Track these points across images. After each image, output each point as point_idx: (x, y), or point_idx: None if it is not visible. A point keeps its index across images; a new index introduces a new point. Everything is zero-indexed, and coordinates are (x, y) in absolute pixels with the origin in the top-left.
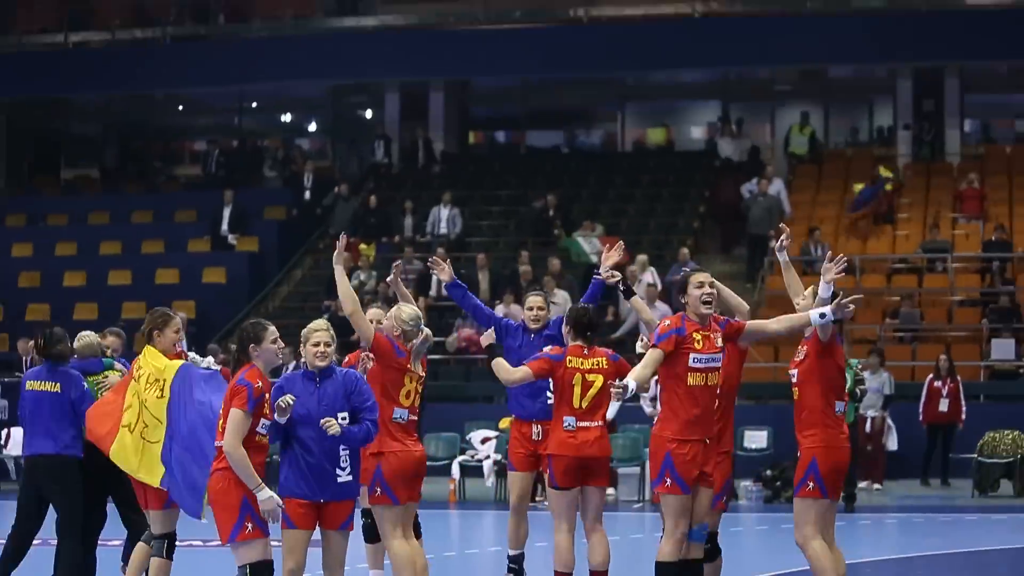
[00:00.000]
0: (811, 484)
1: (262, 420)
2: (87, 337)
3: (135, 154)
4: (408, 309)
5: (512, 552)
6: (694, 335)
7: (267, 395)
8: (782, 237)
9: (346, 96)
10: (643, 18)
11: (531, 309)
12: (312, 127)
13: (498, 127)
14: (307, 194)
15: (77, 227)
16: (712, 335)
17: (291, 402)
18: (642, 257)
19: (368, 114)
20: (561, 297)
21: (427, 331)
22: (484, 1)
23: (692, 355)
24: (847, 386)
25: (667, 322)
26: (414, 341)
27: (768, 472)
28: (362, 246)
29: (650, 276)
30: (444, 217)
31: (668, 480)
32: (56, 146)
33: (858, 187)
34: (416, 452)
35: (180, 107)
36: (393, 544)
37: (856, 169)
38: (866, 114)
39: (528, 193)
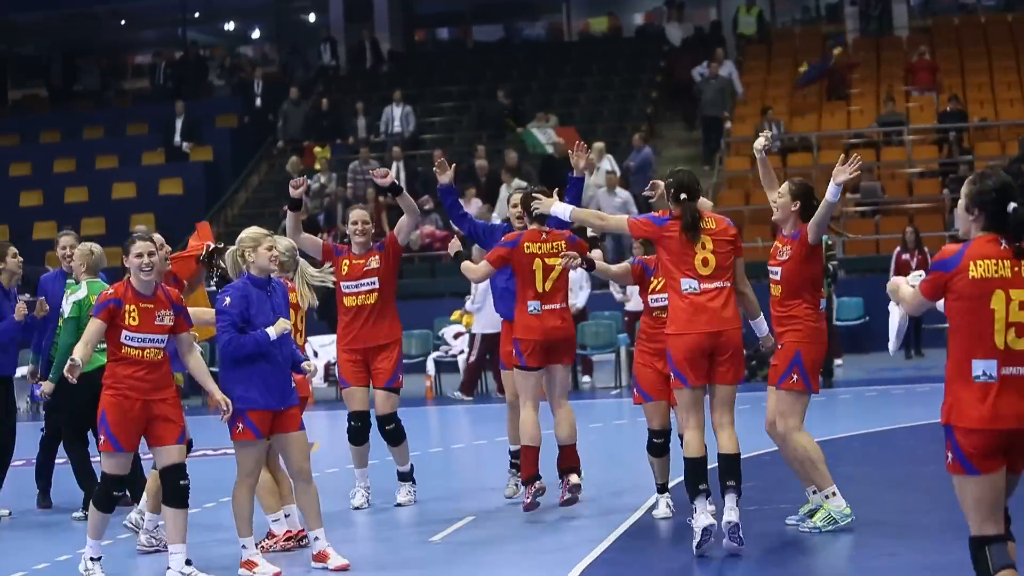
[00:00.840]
0: (795, 376)
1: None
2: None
3: (81, 71)
4: (285, 241)
5: (513, 448)
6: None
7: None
8: (761, 140)
9: (289, 0)
10: None
11: (515, 207)
12: (256, 34)
13: (443, 23)
14: (258, 100)
15: (29, 147)
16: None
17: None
18: (599, 144)
19: (312, 17)
20: (516, 185)
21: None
22: None
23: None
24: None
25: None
26: (290, 274)
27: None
28: (317, 149)
29: (607, 163)
30: (397, 116)
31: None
32: (2, 67)
33: (804, 67)
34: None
35: (123, 21)
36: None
37: (805, 47)
38: None
39: (478, 88)
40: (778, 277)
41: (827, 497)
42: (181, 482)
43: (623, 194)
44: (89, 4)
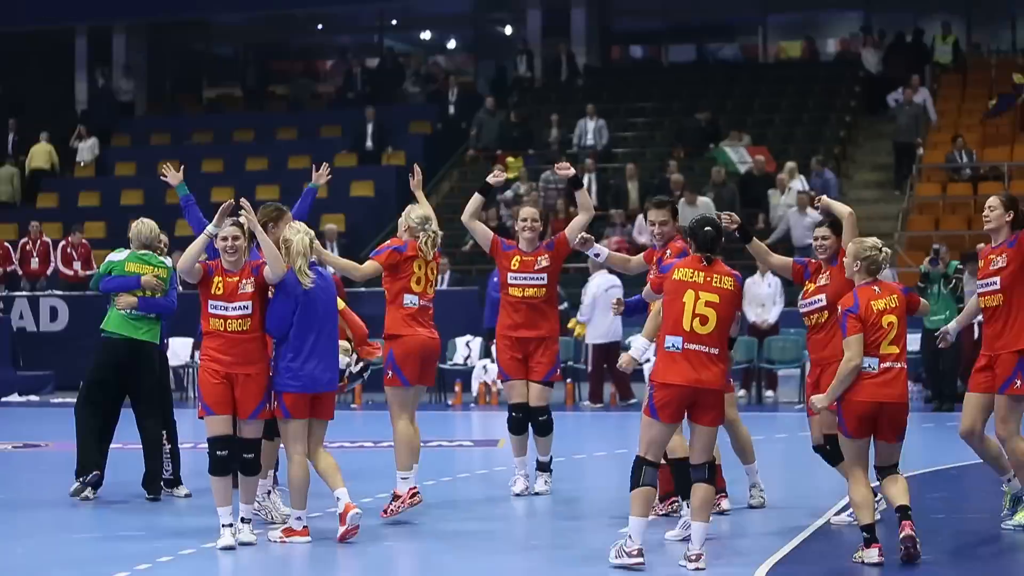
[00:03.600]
0: (1019, 382)
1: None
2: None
3: (275, 74)
4: (418, 210)
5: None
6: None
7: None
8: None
9: (488, 12)
10: None
11: (652, 224)
12: (452, 44)
13: (638, 41)
14: (451, 109)
15: (222, 145)
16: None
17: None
18: (790, 164)
19: (508, 30)
20: (702, 203)
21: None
22: None
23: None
24: None
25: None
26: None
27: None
28: (509, 159)
29: (799, 183)
30: (591, 129)
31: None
32: (197, 67)
33: (992, 102)
34: (424, 336)
35: (320, 26)
36: (398, 424)
37: (1001, 77)
38: (1008, 24)
39: (672, 105)
40: (997, 286)
41: None
42: (218, 453)
43: (814, 214)
44: (286, 7)
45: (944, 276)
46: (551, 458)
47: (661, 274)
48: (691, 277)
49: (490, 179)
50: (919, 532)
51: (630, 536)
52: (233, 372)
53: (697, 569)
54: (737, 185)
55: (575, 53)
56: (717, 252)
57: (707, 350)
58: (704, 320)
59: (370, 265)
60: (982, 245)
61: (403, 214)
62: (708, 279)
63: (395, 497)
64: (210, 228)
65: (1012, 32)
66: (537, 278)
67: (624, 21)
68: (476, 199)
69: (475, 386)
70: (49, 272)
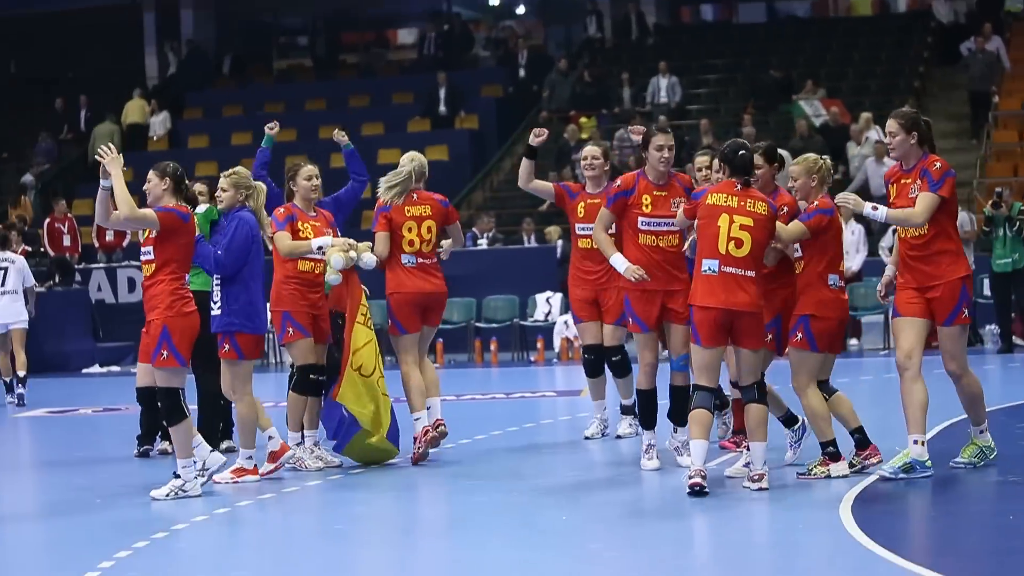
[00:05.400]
0: (965, 312)
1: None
2: None
3: (345, 45)
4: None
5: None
6: (644, 197)
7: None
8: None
9: None
10: None
11: (699, 170)
12: (520, 9)
13: (708, 0)
14: (521, 72)
15: (295, 114)
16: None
17: None
18: (866, 115)
19: None
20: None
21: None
22: None
23: (640, 217)
24: None
25: (618, 182)
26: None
27: None
28: (583, 119)
29: (875, 133)
30: (663, 87)
31: (630, 320)
32: (266, 37)
33: None
34: (418, 286)
35: None
36: (404, 369)
37: None
38: None
39: (744, 62)
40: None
41: (980, 432)
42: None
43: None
44: None
45: (1008, 219)
46: (634, 402)
47: (694, 200)
48: (725, 201)
49: (532, 140)
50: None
51: (691, 459)
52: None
53: (760, 488)
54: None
55: (644, 13)
56: (752, 175)
57: (743, 272)
58: (739, 243)
59: (380, 238)
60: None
61: None
62: (742, 203)
63: (414, 440)
64: (104, 183)
65: None
66: None
67: None
68: (525, 163)
69: (557, 342)
70: (125, 244)
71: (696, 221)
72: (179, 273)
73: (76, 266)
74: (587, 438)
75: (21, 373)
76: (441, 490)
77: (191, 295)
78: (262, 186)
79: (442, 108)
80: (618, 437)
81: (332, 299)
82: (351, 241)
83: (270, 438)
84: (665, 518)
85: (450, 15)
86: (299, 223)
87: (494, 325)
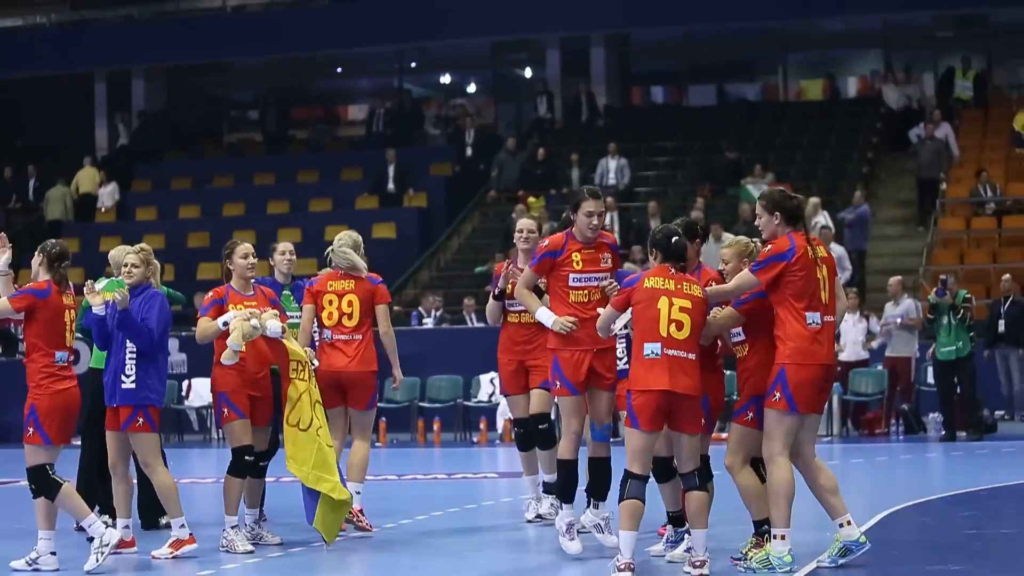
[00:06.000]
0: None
1: None
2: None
3: (296, 120)
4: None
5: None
6: (573, 255)
7: None
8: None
9: (506, 54)
10: None
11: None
12: (472, 88)
13: (658, 82)
14: (468, 150)
15: (243, 188)
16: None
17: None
18: (815, 199)
19: (528, 72)
20: (727, 239)
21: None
22: None
23: (571, 275)
24: None
25: (545, 242)
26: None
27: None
28: (531, 199)
29: (823, 218)
30: (612, 168)
31: (558, 383)
32: (218, 111)
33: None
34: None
35: (339, 69)
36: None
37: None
38: None
39: (693, 144)
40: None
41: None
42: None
43: (837, 249)
44: (305, 50)
45: (953, 306)
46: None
47: (625, 288)
48: (663, 284)
49: (501, 283)
50: None
51: (619, 550)
52: None
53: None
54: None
55: (595, 93)
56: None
57: (685, 355)
58: (680, 326)
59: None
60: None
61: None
62: (679, 286)
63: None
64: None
65: None
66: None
67: (643, 62)
68: (493, 304)
69: (500, 423)
70: None
71: (632, 306)
72: (47, 350)
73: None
74: (528, 521)
75: None
76: (379, 571)
77: (65, 372)
78: (157, 265)
79: (391, 186)
80: (538, 517)
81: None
82: (252, 310)
83: (182, 526)
84: None
85: (401, 91)
86: (229, 306)
87: (437, 405)
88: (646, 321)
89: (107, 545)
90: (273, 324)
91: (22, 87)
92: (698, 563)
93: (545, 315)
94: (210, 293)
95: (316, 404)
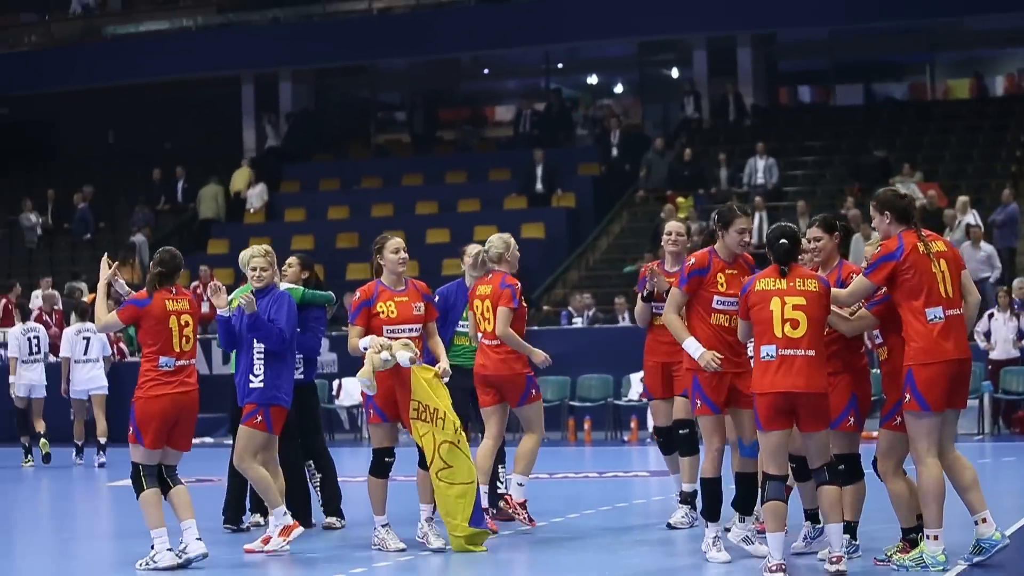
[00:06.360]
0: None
1: None
2: None
3: (443, 121)
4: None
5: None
6: (718, 275)
7: None
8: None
9: (653, 55)
10: None
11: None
12: (619, 88)
13: (805, 81)
14: (614, 151)
15: (392, 189)
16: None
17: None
18: (963, 198)
19: (675, 72)
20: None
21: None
22: None
23: (716, 296)
24: None
25: (691, 260)
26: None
27: None
28: (680, 199)
29: (971, 217)
30: (760, 167)
31: (699, 402)
32: (365, 112)
33: None
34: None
35: (486, 70)
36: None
37: None
38: None
39: (841, 144)
40: None
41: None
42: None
43: (987, 248)
44: (451, 52)
45: None
46: (696, 490)
47: (742, 295)
48: (774, 285)
49: (648, 285)
50: None
51: (770, 552)
52: None
53: (838, 571)
54: None
55: (742, 93)
56: (794, 260)
57: (802, 353)
58: (795, 324)
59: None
60: None
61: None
62: (791, 284)
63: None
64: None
65: None
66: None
67: (790, 61)
68: (641, 306)
69: (651, 422)
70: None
71: (749, 310)
72: (153, 356)
73: None
74: (670, 526)
75: (102, 440)
76: (528, 569)
77: (169, 377)
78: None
79: (539, 186)
80: (669, 527)
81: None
82: (382, 342)
83: (285, 514)
84: None
85: (548, 92)
86: (379, 303)
87: (588, 404)
88: (761, 323)
89: (156, 563)
90: (403, 355)
91: (170, 90)
92: (834, 559)
93: (693, 346)
94: (357, 294)
95: (441, 446)
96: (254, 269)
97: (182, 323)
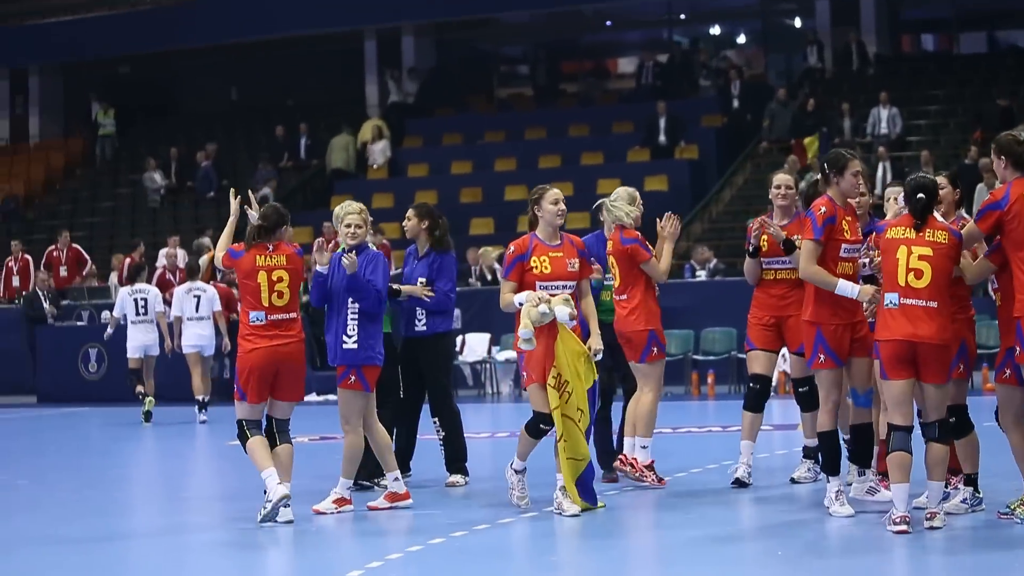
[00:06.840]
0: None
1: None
2: None
3: (566, 74)
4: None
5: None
6: (842, 223)
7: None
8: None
9: (776, 4)
10: None
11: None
12: (741, 39)
13: (928, 30)
14: (735, 102)
15: (514, 143)
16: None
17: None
18: None
19: (797, 22)
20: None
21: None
22: None
23: (844, 245)
24: None
25: (822, 209)
26: None
27: None
28: (807, 139)
29: None
30: (883, 117)
31: (822, 356)
32: (487, 66)
33: None
34: None
35: (608, 22)
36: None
37: None
38: None
39: (964, 92)
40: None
41: None
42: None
43: None
44: (575, 4)
45: None
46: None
47: (877, 234)
48: (903, 234)
49: (753, 240)
50: None
51: (894, 504)
52: None
53: (932, 528)
54: None
55: (865, 43)
56: (930, 214)
57: (924, 303)
58: (919, 274)
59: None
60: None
61: None
62: (920, 234)
63: None
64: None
65: None
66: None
67: (913, 10)
68: (750, 263)
69: (775, 375)
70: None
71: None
72: (246, 310)
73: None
74: (794, 481)
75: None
76: (653, 525)
77: (262, 331)
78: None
79: (662, 138)
80: (792, 481)
81: None
82: (540, 295)
83: (395, 480)
84: (878, 552)
85: (671, 43)
86: (533, 258)
87: (711, 358)
88: (887, 272)
89: (270, 501)
90: (562, 310)
91: (292, 46)
92: (929, 515)
93: (849, 287)
94: (511, 247)
95: (563, 419)
96: (348, 226)
97: (274, 279)
